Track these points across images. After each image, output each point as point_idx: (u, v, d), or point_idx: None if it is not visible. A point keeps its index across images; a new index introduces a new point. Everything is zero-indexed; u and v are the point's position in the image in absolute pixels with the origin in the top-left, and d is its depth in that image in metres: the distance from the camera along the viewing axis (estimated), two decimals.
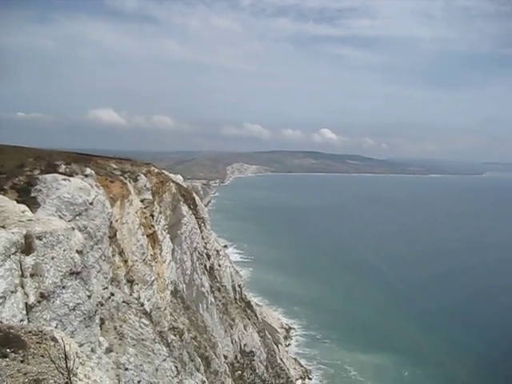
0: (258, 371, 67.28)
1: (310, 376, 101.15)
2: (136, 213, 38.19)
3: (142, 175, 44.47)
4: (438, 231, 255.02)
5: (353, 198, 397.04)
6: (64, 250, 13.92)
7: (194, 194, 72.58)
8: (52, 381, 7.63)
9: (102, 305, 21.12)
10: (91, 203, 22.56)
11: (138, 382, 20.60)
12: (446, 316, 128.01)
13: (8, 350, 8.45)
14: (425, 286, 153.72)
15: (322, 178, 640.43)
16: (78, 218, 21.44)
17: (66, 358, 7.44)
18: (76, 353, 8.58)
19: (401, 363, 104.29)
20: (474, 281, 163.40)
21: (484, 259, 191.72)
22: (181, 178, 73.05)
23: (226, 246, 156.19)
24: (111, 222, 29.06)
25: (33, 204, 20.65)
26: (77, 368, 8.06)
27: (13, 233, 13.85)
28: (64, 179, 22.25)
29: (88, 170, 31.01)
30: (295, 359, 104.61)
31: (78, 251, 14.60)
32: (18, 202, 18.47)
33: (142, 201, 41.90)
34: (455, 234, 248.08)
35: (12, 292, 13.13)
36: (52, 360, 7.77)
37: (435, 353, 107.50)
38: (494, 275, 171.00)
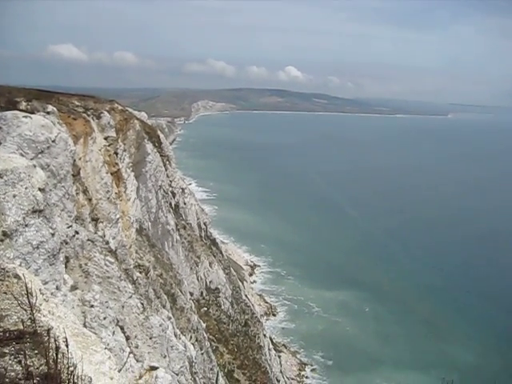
0: (223, 307, 68.43)
1: (275, 312, 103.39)
2: (100, 150, 37.72)
3: (106, 112, 43.69)
4: (405, 171, 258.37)
5: (319, 137, 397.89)
6: (26, 188, 13.73)
7: (159, 132, 71.83)
8: (15, 317, 7.64)
9: (66, 243, 21.04)
10: (53, 141, 22.14)
11: (104, 318, 20.77)
12: (409, 255, 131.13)
13: None
14: (389, 226, 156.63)
15: (289, 117, 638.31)
16: (40, 155, 21.06)
17: (29, 294, 7.44)
18: (40, 290, 8.57)
19: (363, 299, 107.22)
20: (438, 219, 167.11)
21: (451, 200, 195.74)
22: (145, 115, 72.00)
23: (191, 184, 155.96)
24: (74, 160, 28.68)
25: None
26: (40, 304, 8.07)
27: None
28: (25, 116, 21.72)
29: (50, 107, 30.32)
30: (260, 296, 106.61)
31: (40, 189, 14.41)
32: None
33: (105, 138, 41.30)
34: (422, 174, 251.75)
35: None
36: (15, 297, 7.76)
37: (396, 290, 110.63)
38: (454, 213, 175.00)
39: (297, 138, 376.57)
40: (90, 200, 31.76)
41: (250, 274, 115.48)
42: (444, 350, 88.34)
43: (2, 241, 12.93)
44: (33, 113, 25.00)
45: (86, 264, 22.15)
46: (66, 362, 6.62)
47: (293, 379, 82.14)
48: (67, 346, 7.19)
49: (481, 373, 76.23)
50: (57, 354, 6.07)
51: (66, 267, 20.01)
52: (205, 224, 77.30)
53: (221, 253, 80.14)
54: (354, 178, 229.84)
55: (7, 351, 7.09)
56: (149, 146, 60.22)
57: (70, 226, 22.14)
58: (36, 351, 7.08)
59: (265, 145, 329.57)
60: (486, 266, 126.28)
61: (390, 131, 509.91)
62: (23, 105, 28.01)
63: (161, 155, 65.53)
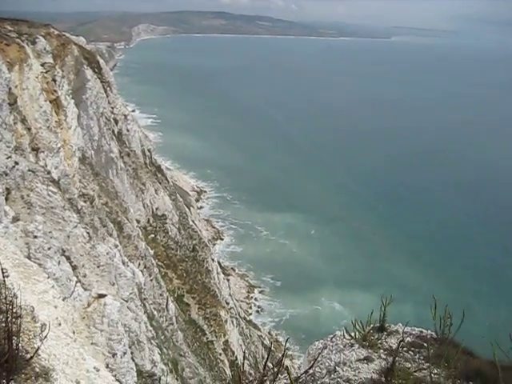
0: (170, 234, 68.74)
1: (222, 236, 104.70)
2: (37, 78, 36.42)
3: (41, 37, 41.97)
4: (349, 88, 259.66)
5: (261, 60, 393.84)
6: None
7: (99, 57, 69.60)
8: None
9: (6, 174, 20.57)
10: None
11: (49, 248, 20.59)
12: (353, 177, 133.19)
13: None
14: (335, 149, 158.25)
15: (232, 40, 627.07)
16: None
17: None
18: None
19: (309, 222, 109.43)
20: (377, 135, 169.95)
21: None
22: (83, 40, 69.43)
23: (133, 111, 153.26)
24: (10, 89, 27.69)
25: None
26: None
27: None
28: None
29: None
30: (207, 221, 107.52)
31: None
32: None
33: (42, 65, 39.82)
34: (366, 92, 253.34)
35: None
36: None
37: (341, 212, 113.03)
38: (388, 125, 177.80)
39: (239, 62, 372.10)
40: (29, 129, 30.89)
41: (197, 200, 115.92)
42: (385, 269, 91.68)
43: None
44: None
45: (27, 195, 21.74)
46: (5, 292, 6.57)
47: (242, 301, 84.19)
48: (7, 276, 7.11)
49: (420, 291, 79.54)
50: None
51: (6, 199, 19.61)
52: (149, 151, 76.46)
53: (166, 179, 79.77)
54: (296, 98, 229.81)
55: None
56: (88, 72, 58.47)
57: (10, 157, 21.58)
58: None
59: (210, 70, 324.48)
60: (424, 180, 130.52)
61: (333, 54, 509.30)
62: None
63: (101, 81, 63.78)
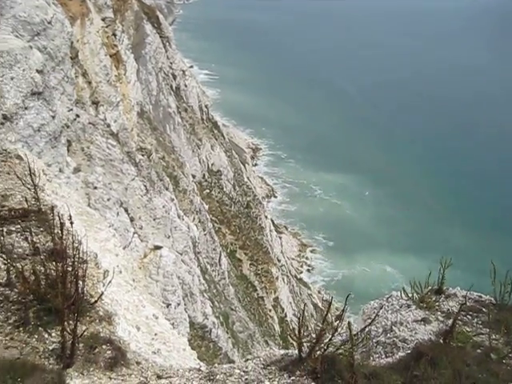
0: (225, 189, 69.40)
1: (276, 194, 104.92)
2: (98, 32, 36.87)
3: None
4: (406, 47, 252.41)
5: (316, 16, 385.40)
6: (23, 70, 13.59)
7: (158, 12, 69.88)
8: (19, 196, 7.84)
9: (67, 127, 21.07)
10: (49, 22, 21.58)
11: (108, 199, 21.19)
12: (412, 139, 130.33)
13: None
14: (393, 111, 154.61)
15: None
16: (36, 38, 20.58)
17: (32, 174, 7.60)
18: (43, 170, 8.74)
19: (363, 183, 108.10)
20: (445, 99, 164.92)
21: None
22: None
23: (192, 67, 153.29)
24: (72, 42, 28.12)
25: None
26: (44, 184, 8.25)
27: None
28: None
29: None
30: (262, 178, 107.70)
31: (38, 71, 14.27)
32: None
33: (103, 19, 40.22)
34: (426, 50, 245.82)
35: None
36: (18, 177, 7.93)
37: (397, 174, 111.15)
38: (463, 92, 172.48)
39: (305, 19, 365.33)
40: (89, 83, 31.45)
41: (252, 157, 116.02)
42: (440, 234, 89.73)
43: (2, 124, 12.98)
44: None
45: (88, 147, 22.30)
46: (71, 238, 6.89)
47: (293, 259, 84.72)
48: (72, 223, 7.45)
49: (479, 256, 77.91)
50: (62, 231, 6.29)
51: (68, 150, 20.18)
52: (206, 107, 76.81)
53: (222, 136, 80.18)
54: (357, 58, 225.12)
55: (13, 229, 7.36)
56: (148, 27, 58.88)
57: (71, 110, 22.09)
58: (41, 229, 7.35)
59: (270, 26, 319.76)
60: (490, 153, 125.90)
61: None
62: None
63: (160, 36, 64.15)
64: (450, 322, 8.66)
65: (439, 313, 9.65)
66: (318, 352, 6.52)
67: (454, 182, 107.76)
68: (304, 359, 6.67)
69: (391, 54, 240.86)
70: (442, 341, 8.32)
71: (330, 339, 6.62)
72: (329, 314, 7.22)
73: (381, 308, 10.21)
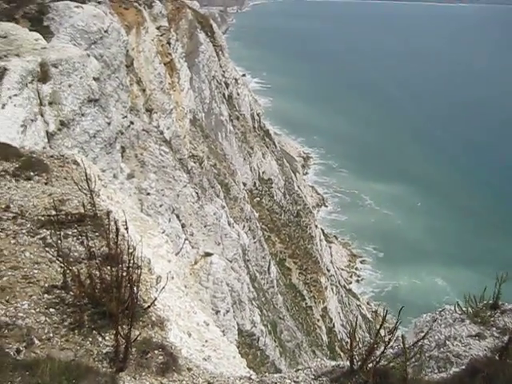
0: (275, 198, 69.37)
1: (327, 204, 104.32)
2: (152, 41, 37.49)
3: (157, 1, 43.03)
4: (452, 58, 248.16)
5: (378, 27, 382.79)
6: (81, 78, 13.87)
7: (212, 21, 70.61)
8: (76, 201, 8.00)
9: (122, 133, 21.42)
10: (106, 31, 22.04)
11: (160, 205, 21.42)
12: (466, 151, 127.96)
13: (32, 173, 8.77)
14: (446, 120, 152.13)
15: (344, 5, 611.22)
16: (93, 46, 21.05)
17: (88, 179, 7.73)
18: (98, 176, 8.89)
19: (415, 194, 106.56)
20: (495, 113, 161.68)
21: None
22: (197, 4, 70.54)
23: (244, 75, 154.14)
24: (127, 51, 28.64)
25: (46, 33, 20.16)
26: (99, 190, 8.40)
27: (28, 61, 13.71)
28: (77, 6, 21.54)
29: None
30: (312, 187, 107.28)
31: (94, 78, 14.56)
32: (31, 31, 18.07)
33: (157, 28, 40.91)
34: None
35: (32, 120, 13.30)
36: (75, 182, 8.09)
37: (449, 185, 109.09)
38: None
39: (355, 28, 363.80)
40: (143, 91, 31.95)
41: (303, 166, 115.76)
42: (496, 246, 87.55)
43: (59, 130, 13.27)
44: (84, 3, 24.79)
45: (141, 154, 22.62)
46: (125, 244, 6.98)
47: (343, 269, 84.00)
48: (126, 228, 7.55)
49: None
50: (117, 236, 6.37)
51: (122, 157, 20.51)
52: (258, 115, 77.07)
53: (274, 144, 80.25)
54: (410, 66, 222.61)
55: (70, 233, 7.52)
56: (201, 36, 59.51)
57: (125, 117, 22.46)
58: (97, 233, 7.48)
59: (322, 34, 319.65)
60: None
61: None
62: None
63: (214, 45, 64.77)
64: (506, 338, 8.40)
65: (494, 328, 9.37)
66: (370, 364, 6.40)
67: (510, 193, 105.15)
68: (356, 371, 6.56)
69: (443, 61, 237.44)
70: (497, 357, 8.08)
71: (383, 352, 6.49)
72: (378, 326, 7.08)
73: (434, 321, 9.99)
